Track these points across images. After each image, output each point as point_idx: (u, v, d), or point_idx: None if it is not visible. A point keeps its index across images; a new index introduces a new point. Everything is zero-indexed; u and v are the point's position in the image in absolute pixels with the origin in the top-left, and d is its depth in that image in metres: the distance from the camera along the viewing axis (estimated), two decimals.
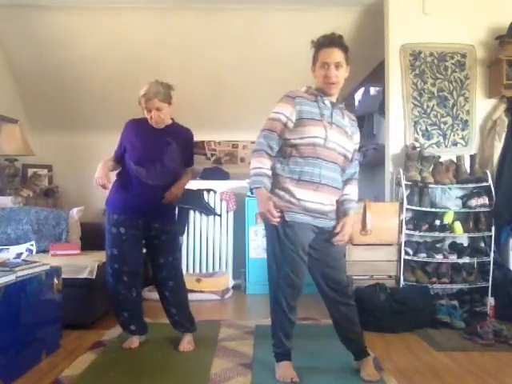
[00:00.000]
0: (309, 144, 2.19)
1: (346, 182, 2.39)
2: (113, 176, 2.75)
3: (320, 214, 2.25)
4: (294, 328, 2.36)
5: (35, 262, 2.70)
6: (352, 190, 2.39)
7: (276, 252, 2.25)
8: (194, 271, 4.48)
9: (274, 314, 2.35)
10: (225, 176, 4.91)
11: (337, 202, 2.33)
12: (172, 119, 2.78)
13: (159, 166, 2.65)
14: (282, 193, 2.21)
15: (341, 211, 2.35)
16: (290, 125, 2.22)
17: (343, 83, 2.29)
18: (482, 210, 3.59)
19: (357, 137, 2.40)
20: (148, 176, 2.64)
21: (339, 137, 2.26)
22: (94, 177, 2.60)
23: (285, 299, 2.28)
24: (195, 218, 4.52)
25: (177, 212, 3.03)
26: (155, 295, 2.98)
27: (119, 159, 2.74)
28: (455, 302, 3.35)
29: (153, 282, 2.89)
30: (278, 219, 2.17)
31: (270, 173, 2.21)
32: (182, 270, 2.92)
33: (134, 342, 2.78)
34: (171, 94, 2.69)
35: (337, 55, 2.20)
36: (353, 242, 2.43)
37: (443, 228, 3.59)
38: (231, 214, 4.54)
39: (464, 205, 3.67)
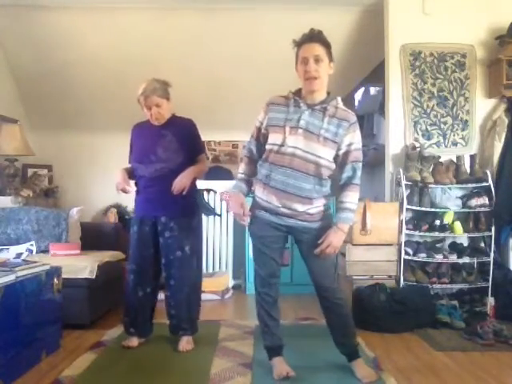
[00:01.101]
0: (269, 150, 2.25)
1: (344, 187, 2.27)
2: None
3: (281, 214, 2.24)
4: (273, 321, 2.36)
5: (35, 262, 2.70)
6: (347, 198, 2.25)
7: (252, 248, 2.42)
8: None
9: (256, 306, 2.42)
10: (227, 175, 4.89)
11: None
12: (173, 114, 2.81)
13: (153, 157, 2.69)
14: (256, 195, 2.34)
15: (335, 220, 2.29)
16: (264, 131, 2.31)
17: (335, 80, 2.27)
18: (482, 209, 3.59)
19: (348, 138, 2.22)
20: (146, 170, 2.71)
21: (306, 142, 2.17)
22: (115, 182, 2.71)
23: (257, 289, 2.37)
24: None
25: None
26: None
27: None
28: (455, 302, 3.36)
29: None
30: (244, 221, 2.30)
31: (245, 176, 2.38)
32: (190, 268, 2.77)
33: (133, 341, 2.78)
34: (168, 90, 2.74)
35: (316, 49, 2.17)
36: (339, 251, 2.28)
37: (443, 228, 3.59)
38: (231, 214, 4.54)
39: (464, 205, 3.67)
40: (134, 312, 2.79)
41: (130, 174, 2.81)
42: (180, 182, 2.63)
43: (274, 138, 2.23)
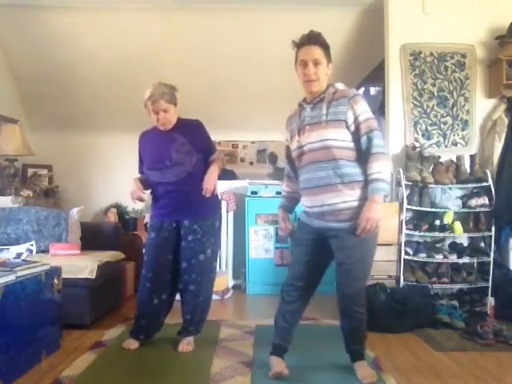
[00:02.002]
0: (294, 158, 2.36)
1: (365, 161, 2.17)
2: None
3: (320, 215, 2.24)
4: (284, 323, 2.37)
5: (35, 262, 2.70)
6: (371, 169, 2.13)
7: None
8: None
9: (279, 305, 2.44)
10: (229, 176, 4.88)
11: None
12: (178, 117, 2.79)
13: (168, 162, 2.66)
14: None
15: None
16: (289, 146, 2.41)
17: (334, 79, 2.29)
18: (482, 210, 3.59)
19: (352, 112, 2.16)
20: (162, 175, 2.68)
21: (313, 134, 2.21)
22: (130, 191, 2.73)
23: (282, 288, 2.40)
24: None
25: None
26: None
27: (143, 172, 2.83)
28: (455, 302, 3.36)
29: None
30: (287, 234, 2.49)
31: (286, 193, 2.50)
32: (210, 271, 2.77)
33: (134, 343, 2.77)
34: (176, 95, 2.71)
35: (314, 52, 2.21)
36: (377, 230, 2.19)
37: (443, 228, 3.59)
38: (231, 214, 4.54)
39: (464, 205, 3.67)
40: (147, 320, 2.76)
41: (144, 183, 2.79)
42: (210, 183, 2.65)
43: (292, 146, 2.35)
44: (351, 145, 2.19)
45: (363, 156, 2.18)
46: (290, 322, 2.38)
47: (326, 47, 2.24)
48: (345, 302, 2.29)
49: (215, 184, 2.68)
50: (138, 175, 2.86)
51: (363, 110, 2.19)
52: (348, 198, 2.17)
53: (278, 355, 2.38)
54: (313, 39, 2.23)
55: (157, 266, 2.72)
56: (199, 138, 2.78)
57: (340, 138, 2.17)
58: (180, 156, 2.67)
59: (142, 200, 2.73)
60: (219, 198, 2.82)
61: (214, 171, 2.70)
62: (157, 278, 2.72)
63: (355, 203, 2.17)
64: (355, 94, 2.23)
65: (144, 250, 2.82)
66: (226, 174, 4.88)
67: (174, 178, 2.67)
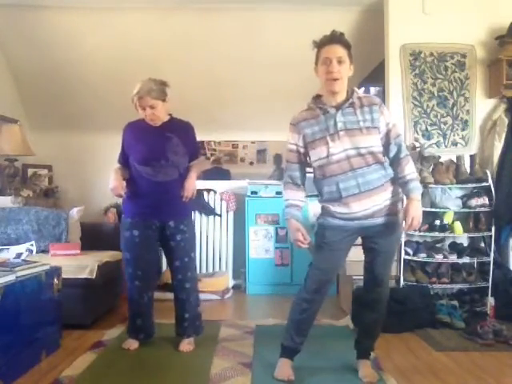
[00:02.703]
0: (319, 166, 2.23)
1: (395, 165, 2.24)
2: None
3: (356, 218, 2.21)
4: (307, 328, 2.35)
5: (35, 262, 2.70)
6: (407, 170, 2.22)
7: (315, 250, 2.32)
8: None
9: (294, 304, 2.38)
10: (225, 175, 4.90)
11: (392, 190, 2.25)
12: (170, 115, 2.78)
13: (164, 162, 2.64)
14: (322, 204, 2.31)
15: (405, 194, 2.25)
16: (302, 150, 2.27)
17: (347, 82, 2.23)
18: (482, 210, 3.59)
19: (383, 119, 2.22)
20: (154, 173, 2.65)
21: (352, 140, 2.16)
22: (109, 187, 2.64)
23: (306, 291, 2.31)
24: (195, 218, 4.51)
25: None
26: (156, 295, 2.97)
27: (125, 164, 2.76)
28: (455, 302, 3.35)
29: (171, 285, 2.83)
30: (307, 246, 2.26)
31: (297, 201, 2.29)
32: (196, 269, 2.87)
33: (134, 343, 2.78)
34: (166, 91, 2.68)
35: (338, 50, 2.16)
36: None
37: (443, 228, 3.59)
38: (231, 214, 4.54)
39: (464, 205, 3.67)
40: (141, 318, 2.77)
41: (123, 174, 2.73)
42: (189, 191, 2.67)
43: (317, 153, 2.21)
44: (382, 149, 2.25)
45: (391, 159, 2.26)
46: (310, 327, 2.36)
47: (348, 47, 2.20)
48: (378, 293, 2.33)
49: (194, 190, 2.70)
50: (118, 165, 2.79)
51: (390, 116, 2.29)
52: (390, 194, 2.24)
53: (288, 358, 2.35)
54: (336, 38, 2.18)
55: (144, 264, 2.71)
56: (190, 141, 2.77)
57: (378, 143, 2.22)
58: (176, 157, 2.67)
59: (121, 197, 2.69)
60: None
61: (192, 178, 2.70)
62: (145, 276, 2.72)
63: (394, 198, 2.26)
64: (381, 102, 2.30)
65: (123, 247, 2.75)
66: (220, 174, 4.90)
67: (165, 178, 2.65)
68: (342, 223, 2.23)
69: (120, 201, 4.89)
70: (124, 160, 2.77)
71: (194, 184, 2.71)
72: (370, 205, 2.18)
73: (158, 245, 2.78)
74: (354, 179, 2.17)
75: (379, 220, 2.22)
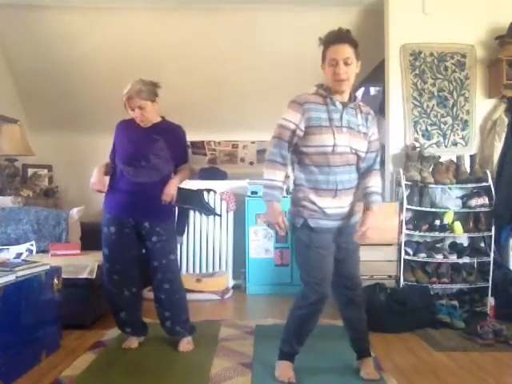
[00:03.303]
0: (319, 153, 2.17)
1: (365, 174, 2.30)
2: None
3: (340, 217, 2.24)
4: (308, 334, 2.33)
5: (35, 262, 2.70)
6: (374, 182, 2.29)
7: (305, 257, 2.27)
8: (193, 271, 4.48)
9: (293, 312, 2.33)
10: (222, 176, 4.89)
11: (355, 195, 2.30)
12: (162, 117, 2.77)
13: (144, 162, 2.64)
14: (305, 203, 2.21)
15: (366, 205, 2.29)
16: (300, 133, 2.19)
17: (354, 79, 2.22)
18: (482, 209, 3.59)
19: (372, 129, 2.29)
20: (135, 174, 2.65)
21: (351, 139, 2.19)
22: (90, 181, 2.67)
23: (309, 304, 2.26)
24: (195, 218, 4.52)
25: (177, 212, 3.00)
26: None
27: (114, 160, 2.77)
28: (455, 302, 3.35)
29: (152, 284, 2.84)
30: (284, 233, 2.24)
31: (281, 184, 2.20)
32: (178, 272, 2.84)
33: (133, 342, 2.78)
34: (156, 92, 2.67)
35: (345, 51, 2.14)
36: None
37: (443, 228, 3.59)
38: (231, 214, 4.54)
39: (464, 205, 3.67)
40: (124, 312, 2.77)
41: (108, 169, 2.75)
42: (169, 194, 2.63)
43: (321, 140, 2.16)
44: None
45: (364, 168, 2.31)
46: (311, 328, 2.34)
47: (355, 45, 2.17)
48: (355, 290, 2.34)
49: (173, 195, 2.66)
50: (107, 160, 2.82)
51: (377, 130, 2.36)
52: (355, 199, 2.31)
53: (289, 360, 2.34)
54: (343, 37, 2.15)
55: (123, 260, 2.70)
56: (178, 146, 2.76)
57: (364, 149, 2.28)
58: (157, 160, 2.65)
59: (101, 192, 2.71)
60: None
61: (173, 183, 2.67)
62: (124, 272, 2.71)
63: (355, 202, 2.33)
64: (374, 114, 2.37)
65: (102, 243, 2.76)
66: (218, 175, 4.90)
67: (145, 180, 2.64)
68: (329, 224, 2.22)
69: None
70: (113, 158, 2.80)
71: (174, 189, 2.65)
72: (346, 203, 2.24)
73: (137, 243, 2.74)
74: (348, 174, 2.22)
75: (349, 220, 2.28)
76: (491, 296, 3.47)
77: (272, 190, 2.18)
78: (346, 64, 2.14)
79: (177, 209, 3.04)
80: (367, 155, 2.30)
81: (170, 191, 2.64)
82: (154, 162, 2.64)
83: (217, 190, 4.57)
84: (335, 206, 2.21)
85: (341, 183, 2.20)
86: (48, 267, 2.72)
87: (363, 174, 2.32)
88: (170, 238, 2.77)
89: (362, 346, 2.40)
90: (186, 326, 2.79)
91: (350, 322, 2.40)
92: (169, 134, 2.71)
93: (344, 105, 2.22)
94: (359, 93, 5.91)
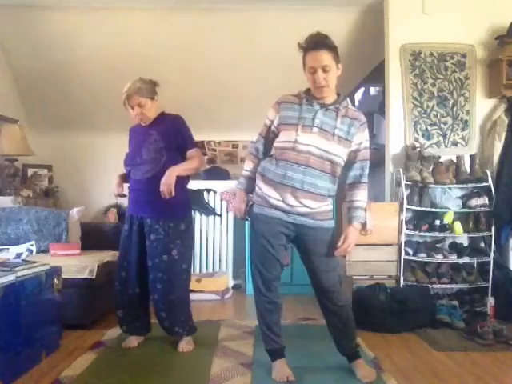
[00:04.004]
0: (281, 148, 2.25)
1: (352, 187, 2.30)
2: None
3: (291, 212, 2.22)
4: (277, 323, 2.35)
5: (35, 262, 2.70)
6: (358, 196, 2.28)
7: (250, 243, 2.41)
8: (193, 271, 4.47)
9: (256, 307, 2.38)
10: (224, 175, 4.89)
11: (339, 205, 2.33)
12: (163, 112, 2.78)
13: (139, 160, 2.68)
14: (256, 188, 2.33)
15: (347, 219, 2.32)
16: (274, 129, 2.32)
17: (336, 82, 2.23)
18: (482, 210, 3.59)
19: (358, 137, 2.25)
20: (135, 172, 2.70)
21: (321, 141, 2.18)
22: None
23: (259, 290, 2.31)
24: (195, 218, 4.52)
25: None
26: None
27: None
28: (455, 302, 3.36)
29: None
30: (244, 219, 2.40)
31: (251, 174, 2.39)
32: (180, 273, 2.69)
33: (133, 341, 2.78)
34: (155, 90, 2.70)
35: (323, 58, 2.15)
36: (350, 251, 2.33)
37: (443, 228, 3.59)
38: (231, 214, 4.54)
39: (464, 205, 3.67)
40: (122, 310, 2.77)
41: (126, 177, 2.83)
42: (165, 184, 2.50)
43: (286, 136, 2.23)
44: (342, 164, 2.28)
45: (351, 178, 2.31)
46: (278, 323, 2.36)
47: (333, 50, 2.19)
48: (330, 299, 2.30)
49: (170, 186, 2.51)
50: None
51: (367, 138, 2.31)
52: (326, 206, 2.29)
53: (281, 357, 2.35)
54: (320, 43, 2.16)
55: (129, 257, 2.72)
56: (173, 133, 2.68)
57: (344, 157, 2.25)
58: (149, 154, 2.65)
59: (123, 196, 2.77)
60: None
61: (169, 173, 2.52)
62: (131, 269, 2.72)
63: (330, 206, 2.32)
64: (365, 122, 2.31)
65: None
66: (220, 174, 4.90)
67: (140, 176, 2.66)
68: (276, 214, 2.24)
69: (120, 201, 4.92)
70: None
71: (171, 179, 2.51)
72: (302, 204, 2.21)
73: (142, 242, 2.74)
74: (302, 174, 2.19)
75: (312, 222, 2.24)
76: (491, 296, 3.47)
77: (242, 178, 2.42)
78: (325, 71, 2.16)
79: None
80: (355, 165, 2.28)
81: (166, 181, 2.50)
82: (146, 157, 2.66)
83: (217, 190, 4.57)
84: (276, 197, 2.22)
85: (299, 183, 2.18)
86: (48, 267, 2.72)
87: (350, 186, 2.31)
88: (169, 236, 2.64)
89: (350, 350, 2.39)
90: (184, 327, 2.76)
91: (329, 325, 2.39)
92: (163, 125, 2.70)
93: (322, 106, 2.23)
94: (359, 93, 5.92)
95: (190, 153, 2.71)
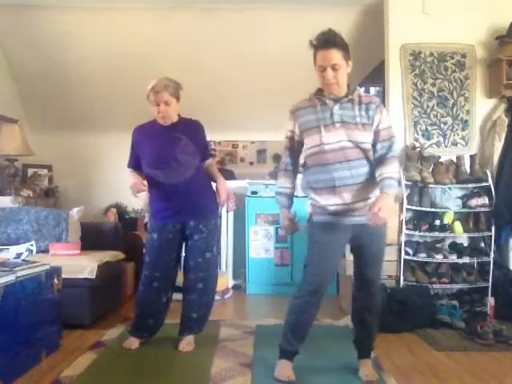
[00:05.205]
0: (312, 154, 2.26)
1: (379, 164, 2.23)
2: None
3: (349, 213, 2.23)
4: (305, 331, 2.33)
5: (35, 262, 2.70)
6: (387, 169, 2.20)
7: (307, 250, 2.33)
8: None
9: (290, 305, 2.35)
10: (230, 176, 4.88)
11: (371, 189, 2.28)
12: (178, 115, 2.77)
13: (174, 163, 2.64)
14: (310, 201, 2.33)
15: (380, 191, 2.23)
16: (298, 138, 2.33)
17: (347, 78, 2.24)
18: (482, 210, 3.59)
19: (378, 117, 2.23)
20: (166, 176, 2.65)
21: (348, 133, 2.20)
22: (130, 185, 2.64)
23: (303, 295, 2.29)
24: None
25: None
26: None
27: (136, 167, 2.78)
28: (455, 302, 3.36)
29: (183, 284, 2.84)
30: (294, 232, 2.38)
31: (287, 190, 2.37)
32: (215, 268, 2.83)
33: (134, 342, 2.78)
34: (180, 92, 2.70)
35: (333, 56, 2.16)
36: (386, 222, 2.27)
37: (443, 228, 3.59)
38: (231, 214, 4.54)
39: (464, 205, 3.67)
40: (154, 318, 2.77)
41: (140, 175, 2.75)
42: (224, 195, 2.76)
43: (311, 141, 2.25)
44: (371, 147, 2.27)
45: (378, 158, 2.25)
46: (310, 328, 2.35)
47: (344, 47, 2.19)
48: (370, 294, 2.35)
49: (225, 198, 2.79)
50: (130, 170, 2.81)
51: (387, 117, 2.31)
52: (371, 194, 2.26)
53: (288, 359, 2.34)
54: (330, 42, 2.17)
55: (163, 266, 2.72)
56: (201, 140, 2.79)
57: (369, 140, 2.25)
58: (185, 157, 2.66)
59: (142, 191, 2.65)
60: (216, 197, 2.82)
61: (223, 190, 2.78)
62: (164, 277, 2.73)
63: (373, 198, 2.24)
64: (380, 103, 2.32)
65: (145, 250, 2.80)
66: (224, 174, 4.89)
67: (178, 180, 2.65)
68: (332, 220, 2.24)
69: (120, 201, 4.92)
70: (134, 163, 2.78)
71: (225, 195, 2.79)
72: (350, 200, 2.22)
73: (177, 249, 2.76)
74: (348, 170, 2.20)
75: (363, 218, 2.22)
76: (491, 296, 3.47)
77: (278, 195, 2.39)
78: (334, 69, 2.17)
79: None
80: (378, 146, 2.25)
81: (224, 197, 2.77)
82: (182, 160, 2.66)
83: None
84: (336, 203, 2.22)
85: (339, 180, 2.20)
86: (48, 267, 2.72)
87: (378, 164, 2.25)
88: (211, 234, 2.76)
89: (363, 347, 2.41)
90: (201, 325, 2.82)
91: (362, 324, 2.40)
92: (190, 130, 2.74)
93: (336, 101, 2.23)
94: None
95: (209, 162, 2.86)
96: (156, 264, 2.72)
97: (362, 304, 2.38)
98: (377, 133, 2.26)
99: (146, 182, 2.64)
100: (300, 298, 2.30)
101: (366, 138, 2.23)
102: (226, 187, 2.80)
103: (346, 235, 2.28)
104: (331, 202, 2.23)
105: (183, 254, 2.83)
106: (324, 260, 2.27)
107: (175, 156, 2.64)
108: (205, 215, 2.73)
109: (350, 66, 2.25)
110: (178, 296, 2.89)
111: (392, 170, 2.21)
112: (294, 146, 2.35)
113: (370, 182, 2.25)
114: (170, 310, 2.86)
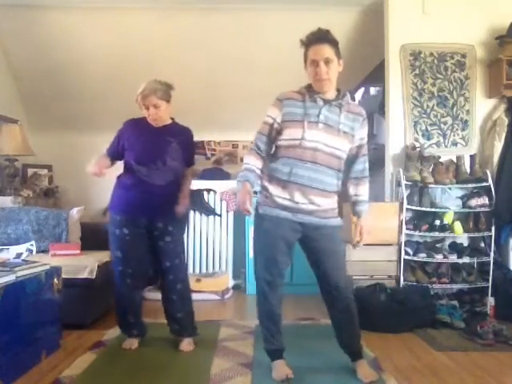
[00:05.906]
0: (287, 146, 2.25)
1: (355, 181, 2.36)
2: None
3: (298, 211, 2.23)
4: (278, 324, 2.35)
5: (35, 262, 2.70)
6: (362, 191, 2.37)
7: (255, 243, 2.38)
8: (193, 271, 4.47)
9: (258, 307, 2.39)
10: (225, 176, 4.90)
11: (340, 202, 2.34)
12: (172, 119, 2.78)
13: (161, 165, 2.65)
14: (262, 189, 2.33)
15: (353, 213, 2.40)
16: (277, 126, 2.29)
17: (337, 78, 2.24)
18: (482, 209, 3.59)
19: (361, 132, 2.30)
20: (149, 175, 2.65)
21: (327, 136, 2.21)
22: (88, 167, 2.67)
23: (263, 290, 2.32)
24: (195, 218, 4.52)
25: None
26: (155, 295, 2.97)
27: (114, 157, 2.78)
28: (455, 302, 3.36)
29: (160, 286, 2.84)
30: (249, 212, 2.21)
31: (256, 169, 2.29)
32: (187, 272, 2.88)
33: (134, 343, 2.78)
34: (170, 93, 2.69)
35: (325, 51, 2.17)
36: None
37: (443, 228, 3.59)
38: (231, 214, 4.54)
39: (464, 205, 3.67)
40: (132, 315, 2.78)
41: (106, 163, 2.74)
42: (183, 205, 2.67)
43: (292, 133, 2.23)
44: (345, 158, 2.32)
45: (354, 173, 2.37)
46: (279, 323, 2.36)
47: (335, 44, 2.21)
48: (338, 294, 2.31)
49: (188, 202, 2.75)
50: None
51: (367, 133, 2.36)
52: (333, 204, 2.33)
53: (280, 358, 2.36)
54: (322, 37, 2.19)
55: (135, 262, 2.69)
56: (188, 148, 2.80)
57: (346, 150, 2.28)
58: (173, 162, 2.67)
59: (100, 174, 2.67)
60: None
61: (187, 194, 2.75)
62: (138, 274, 2.71)
63: (335, 206, 2.34)
64: (366, 117, 2.35)
65: (113, 246, 2.72)
66: (220, 174, 4.89)
67: (159, 181, 2.65)
68: (284, 214, 2.24)
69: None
70: (112, 153, 2.79)
71: (188, 199, 2.75)
72: (310, 201, 2.22)
73: (148, 243, 2.74)
74: (309, 171, 2.21)
75: (318, 220, 2.26)
76: (491, 296, 3.47)
77: (246, 171, 2.28)
78: (327, 64, 2.18)
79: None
80: (360, 159, 2.33)
81: (186, 200, 2.71)
82: (170, 164, 2.66)
83: (217, 190, 4.57)
84: (284, 196, 2.23)
85: (308, 180, 2.20)
86: (48, 267, 2.72)
87: (355, 180, 2.36)
88: (181, 237, 2.82)
89: (352, 350, 2.39)
90: (194, 327, 2.82)
91: (336, 323, 2.39)
92: (181, 137, 2.74)
93: (326, 102, 2.23)
94: (359, 93, 5.92)
95: (189, 170, 2.84)
96: (129, 260, 2.68)
97: (335, 310, 2.36)
98: (359, 147, 2.33)
99: (106, 172, 2.67)
100: (260, 294, 2.33)
101: (342, 145, 2.25)
102: (187, 195, 2.74)
103: (293, 231, 2.27)
104: (280, 194, 2.24)
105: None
106: (273, 247, 2.26)
107: (164, 158, 2.65)
108: (174, 219, 2.69)
109: (341, 66, 2.25)
110: (156, 295, 2.88)
111: (366, 193, 2.38)
112: (272, 134, 2.30)
113: (330, 192, 2.27)
114: (159, 309, 2.87)
